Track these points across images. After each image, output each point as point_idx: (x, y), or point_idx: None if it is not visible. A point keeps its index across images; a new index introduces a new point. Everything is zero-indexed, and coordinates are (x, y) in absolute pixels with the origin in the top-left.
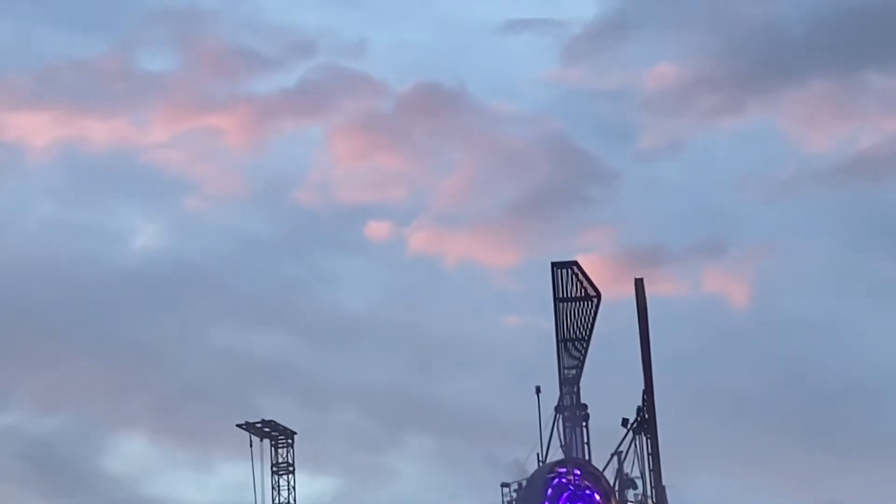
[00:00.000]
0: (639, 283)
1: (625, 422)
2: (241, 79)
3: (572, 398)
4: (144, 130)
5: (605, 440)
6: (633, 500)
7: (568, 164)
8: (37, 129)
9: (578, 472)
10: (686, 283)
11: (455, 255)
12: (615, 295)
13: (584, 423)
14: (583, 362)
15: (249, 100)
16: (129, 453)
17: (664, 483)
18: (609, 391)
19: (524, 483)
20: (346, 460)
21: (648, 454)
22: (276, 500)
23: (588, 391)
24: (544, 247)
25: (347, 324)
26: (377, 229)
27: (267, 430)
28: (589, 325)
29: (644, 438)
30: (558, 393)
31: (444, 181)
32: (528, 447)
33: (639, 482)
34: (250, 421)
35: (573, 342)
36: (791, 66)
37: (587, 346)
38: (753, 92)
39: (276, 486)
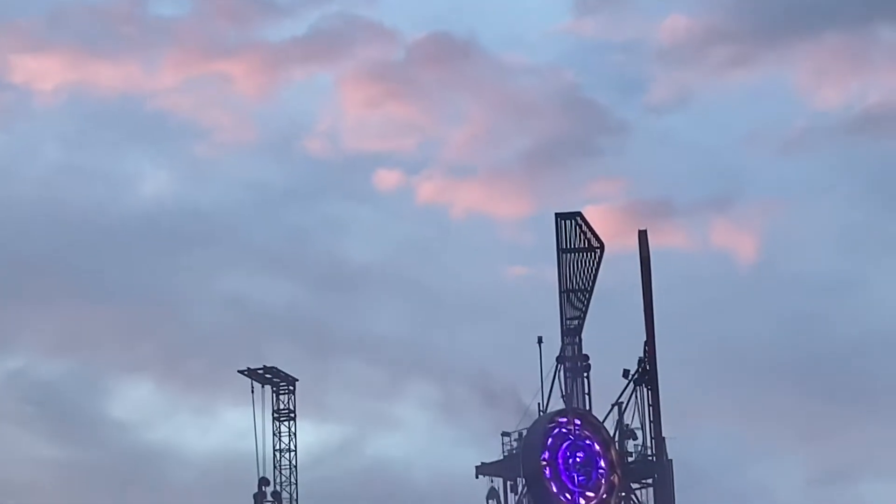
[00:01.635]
0: (642, 235)
1: (626, 373)
2: (253, 25)
3: (574, 349)
4: (154, 76)
5: (605, 391)
6: (632, 450)
7: (578, 115)
8: (46, 73)
9: (578, 423)
10: (694, 236)
11: (463, 205)
12: (622, 247)
13: (585, 374)
14: (585, 313)
15: (260, 46)
16: (136, 399)
17: (664, 434)
18: (611, 342)
19: (524, 432)
20: (350, 408)
21: (649, 405)
22: (277, 447)
23: (590, 342)
24: (553, 198)
25: (355, 273)
26: (386, 178)
27: (268, 376)
28: (592, 277)
29: (645, 390)
30: (560, 343)
31: (454, 131)
32: (529, 397)
33: (639, 433)
34: (252, 367)
35: (576, 293)
36: (803, 19)
37: (589, 297)
38: (765, 45)
39: (276, 432)
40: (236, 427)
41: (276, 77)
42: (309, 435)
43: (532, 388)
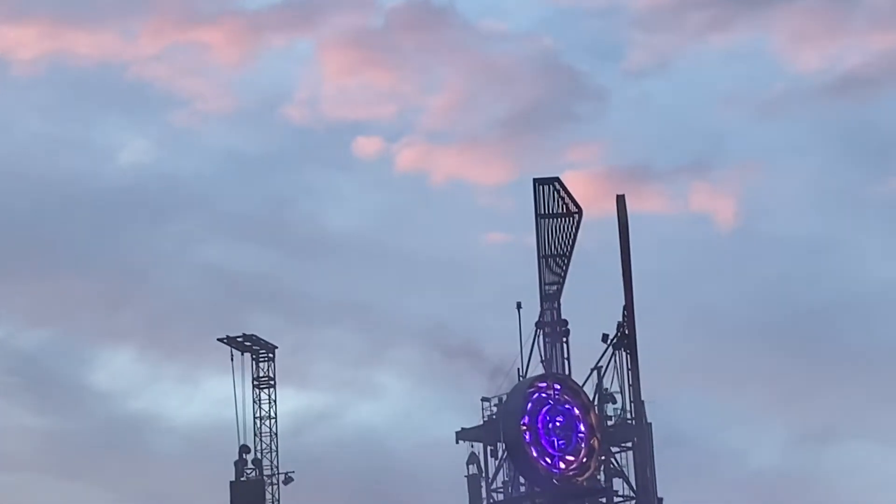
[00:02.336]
0: (620, 200)
1: (605, 337)
2: None
3: (553, 314)
4: (132, 44)
5: (585, 355)
6: (612, 414)
7: (557, 81)
8: (23, 42)
9: (558, 387)
10: (673, 200)
11: (443, 172)
12: (602, 212)
13: (564, 339)
14: (564, 278)
15: (239, 14)
16: (117, 368)
17: (643, 398)
18: (590, 307)
19: (504, 398)
20: (331, 376)
21: (628, 369)
22: (258, 414)
23: (569, 307)
24: (532, 164)
25: (334, 240)
26: (365, 146)
27: (248, 343)
28: (570, 242)
29: (624, 354)
30: (539, 309)
31: (434, 98)
32: (509, 362)
33: (618, 397)
34: (231, 335)
35: (554, 258)
36: None
37: (568, 262)
38: (743, 9)
39: (256, 399)
40: (218, 395)
41: (255, 45)
42: (290, 402)
43: (512, 354)
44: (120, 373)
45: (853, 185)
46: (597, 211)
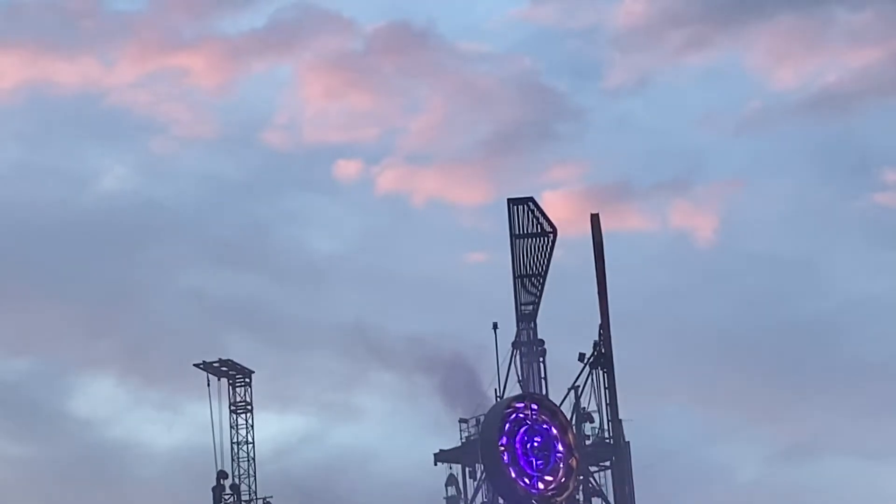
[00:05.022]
0: (594, 219)
1: (581, 356)
2: (211, 18)
3: (529, 334)
4: (112, 71)
5: (562, 375)
6: (589, 433)
7: (536, 101)
8: (3, 70)
9: (535, 407)
10: (653, 218)
11: (424, 193)
12: (582, 231)
13: (541, 359)
14: (539, 298)
15: (219, 39)
16: (97, 395)
17: (621, 417)
18: (568, 326)
19: (482, 418)
20: (312, 399)
21: (605, 388)
22: (235, 439)
23: (547, 327)
24: (513, 184)
25: (316, 263)
26: (346, 169)
27: (224, 369)
28: (545, 261)
29: (601, 373)
30: (515, 329)
31: (414, 120)
32: (486, 383)
33: (596, 416)
34: (207, 360)
35: (529, 278)
36: (758, 1)
37: (543, 281)
38: (720, 27)
39: (234, 424)
40: (197, 421)
41: (235, 70)
42: (270, 427)
43: (489, 374)
44: (100, 400)
45: (831, 202)
46: (577, 230)
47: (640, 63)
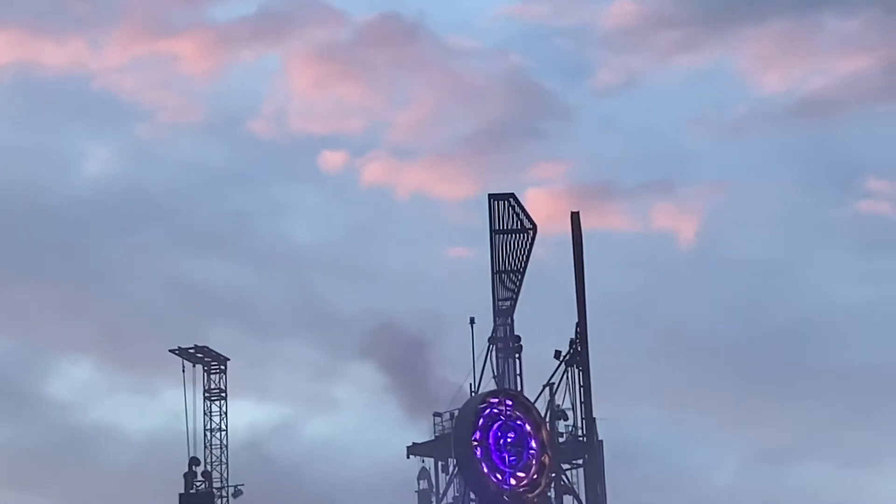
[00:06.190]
0: (575, 217)
1: (557, 354)
2: (201, 4)
3: (506, 330)
4: (100, 55)
5: (537, 372)
6: (563, 431)
7: (524, 99)
8: None
9: (510, 403)
10: (636, 219)
11: (408, 187)
12: (564, 229)
13: (517, 355)
14: (517, 294)
15: (208, 26)
16: (74, 378)
17: (595, 416)
18: (545, 324)
19: (456, 413)
20: (288, 389)
21: (580, 387)
22: (208, 426)
23: (523, 323)
24: (497, 180)
25: (298, 254)
26: (331, 160)
27: (199, 355)
28: (524, 258)
29: (576, 371)
30: (492, 324)
31: (401, 113)
32: (462, 377)
33: (570, 414)
34: (183, 346)
35: (508, 274)
36: (748, 5)
37: (522, 278)
38: (710, 30)
39: (207, 411)
40: (172, 407)
41: (224, 57)
42: (245, 415)
43: (465, 369)
44: (76, 383)
45: (815, 208)
46: (560, 228)
47: (629, 63)
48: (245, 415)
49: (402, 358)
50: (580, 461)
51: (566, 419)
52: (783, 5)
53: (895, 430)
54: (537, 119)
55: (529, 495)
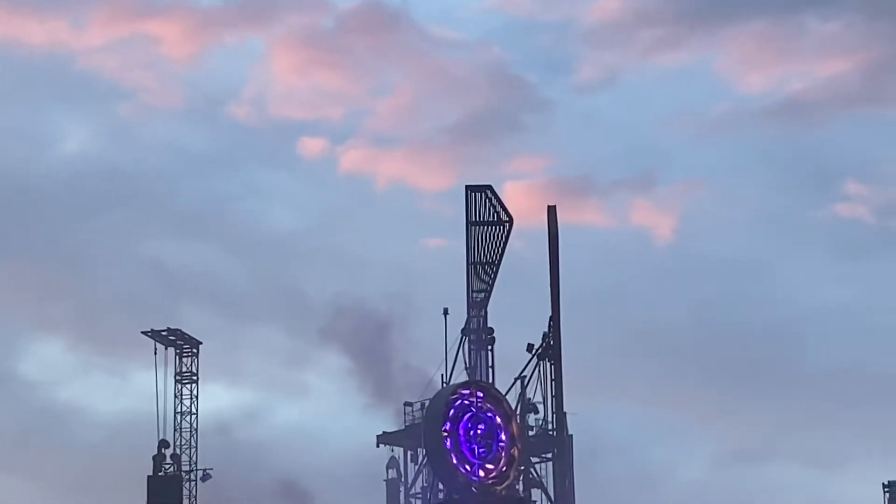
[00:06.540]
0: (551, 211)
1: (530, 347)
2: None
3: (479, 321)
4: (82, 34)
5: (509, 364)
6: (533, 424)
7: (505, 92)
8: None
9: (481, 395)
10: (613, 215)
11: (386, 176)
12: (541, 223)
13: (489, 347)
14: (491, 286)
15: (191, 9)
16: (47, 358)
17: (566, 410)
18: (519, 316)
19: (427, 403)
20: (261, 374)
21: (552, 380)
22: (179, 409)
23: (497, 316)
24: (476, 172)
25: (275, 239)
26: (310, 146)
27: (172, 338)
28: (499, 250)
29: (548, 365)
30: (466, 316)
31: (382, 102)
32: (434, 368)
33: (540, 407)
34: (156, 329)
35: (483, 266)
36: (731, 5)
37: (496, 270)
38: (692, 29)
39: (178, 394)
40: (144, 389)
41: (206, 41)
42: (216, 399)
43: (437, 360)
44: (49, 363)
45: (792, 210)
46: (537, 222)
47: (611, 60)
48: (216, 399)
49: (365, 341)
50: (549, 455)
51: (537, 413)
52: (765, 6)
53: (863, 432)
54: (517, 112)
55: (498, 488)
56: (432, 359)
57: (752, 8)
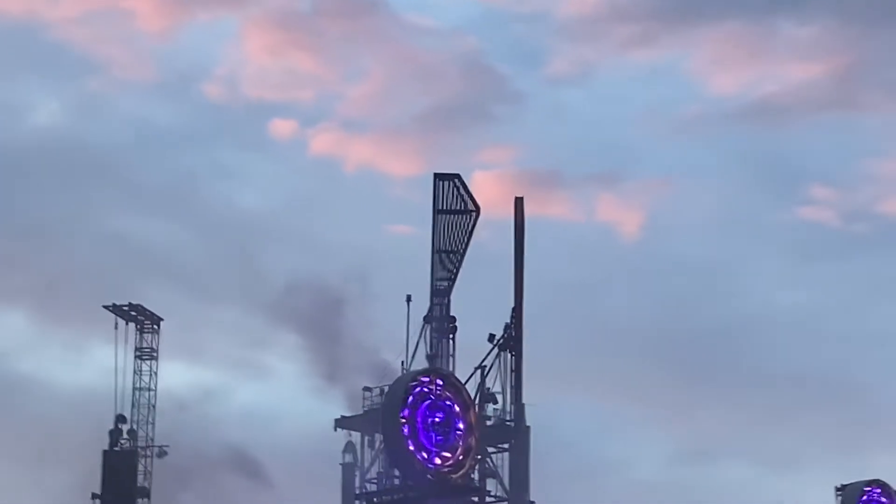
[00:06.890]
0: (518, 202)
1: (491, 337)
2: None
3: (442, 309)
4: (56, 4)
5: (470, 354)
6: (491, 414)
7: (477, 81)
8: None
9: (441, 383)
10: (580, 209)
11: (356, 160)
12: (509, 214)
13: (451, 335)
14: (455, 275)
15: None
16: (6, 329)
17: (525, 401)
18: (482, 306)
19: (386, 389)
20: (222, 354)
21: (511, 371)
22: (137, 385)
23: (460, 304)
24: (445, 161)
25: (241, 219)
26: (281, 128)
27: (133, 313)
28: (465, 239)
29: (509, 355)
30: (429, 304)
31: (353, 87)
32: (395, 354)
33: (500, 397)
34: (118, 303)
35: (448, 254)
36: (706, 5)
37: (461, 259)
38: (667, 27)
39: (137, 370)
40: (104, 363)
41: (180, 17)
42: (176, 377)
43: (399, 346)
44: (8, 334)
45: (757, 211)
46: (504, 212)
47: (584, 54)
48: (175, 376)
49: (318, 320)
50: (506, 445)
51: (495, 403)
52: (740, 8)
53: (818, 433)
54: (489, 103)
55: (453, 476)
56: (393, 345)
57: (726, 9)
